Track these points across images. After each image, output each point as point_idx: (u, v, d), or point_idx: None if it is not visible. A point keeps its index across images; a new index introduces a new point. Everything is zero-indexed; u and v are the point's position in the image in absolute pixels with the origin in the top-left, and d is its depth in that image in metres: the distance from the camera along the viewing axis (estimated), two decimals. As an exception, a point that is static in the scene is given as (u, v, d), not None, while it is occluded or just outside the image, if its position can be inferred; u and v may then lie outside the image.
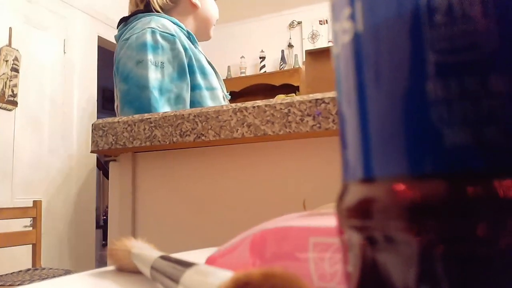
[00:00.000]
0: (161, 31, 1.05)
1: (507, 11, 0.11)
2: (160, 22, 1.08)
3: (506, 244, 0.10)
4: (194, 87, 1.09)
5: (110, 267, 0.35)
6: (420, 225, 0.11)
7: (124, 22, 1.17)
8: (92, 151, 0.73)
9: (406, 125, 0.12)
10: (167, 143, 0.66)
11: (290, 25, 4.65)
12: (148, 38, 1.04)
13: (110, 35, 3.62)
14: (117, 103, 1.14)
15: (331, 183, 0.57)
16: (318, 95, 0.58)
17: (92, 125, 0.72)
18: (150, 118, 0.67)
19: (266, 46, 4.68)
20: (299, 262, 0.24)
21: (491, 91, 0.11)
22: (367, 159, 0.13)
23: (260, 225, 0.28)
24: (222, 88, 1.17)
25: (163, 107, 0.96)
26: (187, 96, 1.07)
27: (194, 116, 0.64)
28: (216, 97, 1.13)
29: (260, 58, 4.68)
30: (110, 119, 0.71)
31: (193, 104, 1.07)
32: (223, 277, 0.19)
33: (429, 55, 0.12)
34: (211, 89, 1.11)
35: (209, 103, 1.09)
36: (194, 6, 1.23)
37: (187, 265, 0.23)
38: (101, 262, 3.50)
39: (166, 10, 1.20)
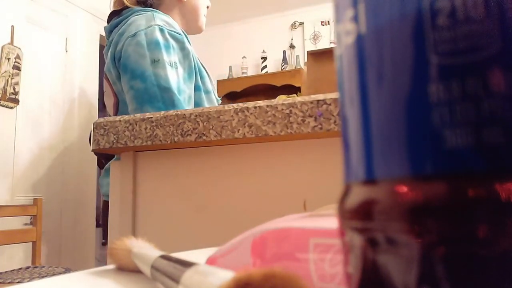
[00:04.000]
0: (168, 30, 1.04)
1: (509, 13, 0.11)
2: (164, 20, 1.06)
3: (507, 246, 0.11)
4: (195, 88, 1.09)
5: (110, 266, 0.35)
6: (422, 227, 0.11)
7: (116, 16, 1.13)
8: (93, 150, 0.73)
9: (408, 126, 0.12)
10: (168, 142, 0.66)
11: (292, 25, 4.65)
12: (159, 36, 1.01)
13: (112, 34, 3.62)
14: (113, 100, 1.10)
15: (332, 184, 0.57)
16: (320, 96, 0.58)
17: (94, 123, 0.72)
18: (151, 117, 0.67)
19: (268, 47, 4.67)
20: (300, 263, 0.24)
21: (493, 93, 0.11)
22: (368, 160, 0.13)
23: (261, 226, 0.28)
24: (214, 92, 1.15)
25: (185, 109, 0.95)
26: (193, 97, 1.07)
27: (196, 116, 0.64)
28: (211, 100, 1.12)
29: (262, 58, 4.68)
30: (111, 118, 0.71)
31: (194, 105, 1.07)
32: (223, 277, 0.19)
33: (431, 57, 0.12)
34: (207, 92, 1.10)
35: (206, 106, 1.08)
36: None
37: (187, 264, 0.23)
38: (101, 261, 3.50)
39: (153, 6, 1.16)
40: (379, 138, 0.13)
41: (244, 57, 4.73)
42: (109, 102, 1.14)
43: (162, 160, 0.73)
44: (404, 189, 0.12)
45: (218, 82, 4.64)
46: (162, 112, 0.67)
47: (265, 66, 4.65)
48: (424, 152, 0.12)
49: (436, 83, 0.11)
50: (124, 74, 1.02)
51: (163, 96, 0.96)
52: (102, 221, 1.03)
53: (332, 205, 0.28)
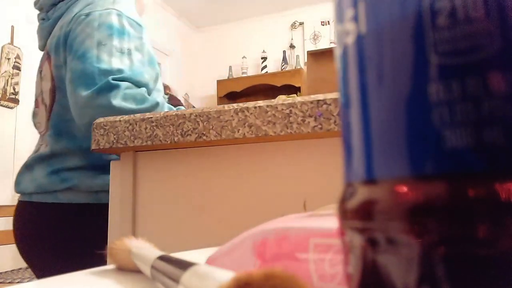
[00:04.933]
0: (127, 17, 0.97)
1: (509, 13, 0.11)
2: (123, 6, 0.99)
3: (506, 246, 0.11)
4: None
5: (110, 266, 0.35)
6: (421, 227, 0.11)
7: None
8: (93, 150, 0.73)
9: (408, 126, 0.12)
10: (168, 142, 0.66)
11: (292, 25, 4.65)
12: (114, 20, 0.94)
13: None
14: (49, 85, 1.01)
15: (332, 184, 0.57)
16: (320, 96, 0.58)
17: (93, 123, 0.72)
18: (151, 117, 0.67)
19: (268, 47, 4.68)
20: (300, 263, 0.24)
21: (493, 93, 0.11)
22: (369, 160, 0.13)
23: (261, 226, 0.28)
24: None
25: (125, 96, 0.88)
26: (154, 87, 1.00)
27: (196, 116, 0.64)
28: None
29: (262, 58, 4.68)
30: (111, 118, 0.71)
31: None
32: (223, 277, 0.19)
33: (431, 57, 0.12)
34: (158, 91, 1.05)
35: None
36: None
37: (187, 265, 0.23)
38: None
39: None
40: (379, 138, 0.13)
41: (244, 57, 4.73)
42: (46, 86, 1.04)
43: (162, 160, 0.73)
44: (404, 189, 0.12)
45: (218, 82, 4.64)
46: (162, 112, 0.67)
47: (265, 66, 4.66)
48: (424, 152, 0.12)
49: (436, 83, 0.11)
50: (68, 54, 0.95)
51: (101, 79, 0.88)
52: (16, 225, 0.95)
53: (332, 205, 0.28)
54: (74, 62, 0.92)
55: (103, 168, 0.98)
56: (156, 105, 0.91)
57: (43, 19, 1.10)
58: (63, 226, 0.97)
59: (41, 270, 1.00)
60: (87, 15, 0.95)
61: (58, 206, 0.97)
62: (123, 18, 0.96)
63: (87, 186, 0.97)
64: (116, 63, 0.91)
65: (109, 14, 0.95)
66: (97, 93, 0.87)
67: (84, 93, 0.87)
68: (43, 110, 1.06)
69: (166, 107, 0.97)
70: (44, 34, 1.11)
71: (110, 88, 0.87)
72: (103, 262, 0.38)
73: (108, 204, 0.75)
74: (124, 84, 0.89)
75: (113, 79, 0.88)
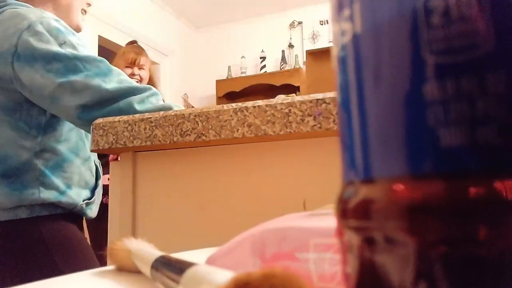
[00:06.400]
0: (63, 24, 0.96)
1: (502, 12, 0.11)
2: (51, 16, 0.97)
3: (504, 245, 0.11)
4: None
5: (110, 267, 0.35)
6: (418, 226, 0.11)
7: None
8: (92, 151, 0.73)
9: (405, 125, 0.12)
10: (168, 142, 0.66)
11: (290, 25, 4.65)
12: (57, 24, 0.93)
13: (111, 34, 3.62)
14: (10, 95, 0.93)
15: (331, 184, 0.57)
16: (319, 95, 0.58)
17: (93, 124, 0.72)
18: (150, 117, 0.67)
19: (267, 46, 4.68)
20: (299, 263, 0.24)
21: (488, 92, 0.11)
22: (366, 159, 0.13)
23: (260, 225, 0.28)
24: None
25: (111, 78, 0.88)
26: None
27: (195, 115, 0.64)
28: None
29: (261, 58, 4.68)
30: (110, 118, 0.71)
31: None
32: (223, 277, 0.19)
33: (425, 56, 0.12)
34: None
35: None
36: None
37: (187, 265, 0.23)
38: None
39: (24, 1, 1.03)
40: (377, 137, 0.13)
41: (243, 57, 4.73)
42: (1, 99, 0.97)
43: (161, 160, 0.73)
44: (401, 188, 0.12)
45: (217, 82, 4.64)
46: (162, 113, 0.67)
47: (264, 66, 4.65)
48: (421, 151, 0.12)
49: (431, 82, 0.12)
50: (33, 65, 0.89)
51: (85, 66, 0.88)
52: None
53: (332, 204, 0.28)
54: (49, 65, 0.89)
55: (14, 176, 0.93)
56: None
57: None
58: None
59: None
60: (29, 27, 0.91)
61: None
62: (61, 22, 0.96)
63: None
64: (86, 51, 0.92)
65: (48, 21, 0.93)
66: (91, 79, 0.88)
67: (78, 79, 0.87)
68: None
69: None
70: None
71: (99, 68, 0.89)
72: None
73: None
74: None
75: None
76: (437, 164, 0.11)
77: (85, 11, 1.17)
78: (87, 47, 0.99)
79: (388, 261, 0.12)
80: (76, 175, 1.00)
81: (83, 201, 1.01)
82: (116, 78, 0.90)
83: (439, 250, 0.11)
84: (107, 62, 0.94)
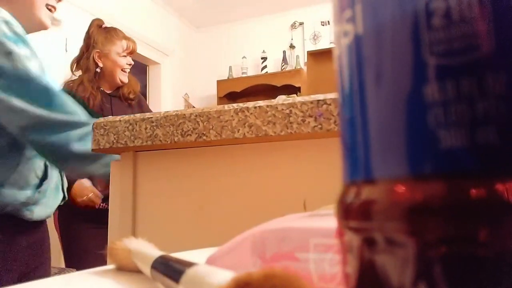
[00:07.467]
0: (16, 25, 0.90)
1: (503, 14, 0.11)
2: (4, 16, 0.90)
3: (504, 245, 0.11)
4: None
5: (110, 266, 0.36)
6: (419, 226, 0.11)
7: None
8: (93, 150, 0.73)
9: (405, 126, 0.12)
10: (168, 142, 0.66)
11: (292, 25, 4.65)
12: (5, 28, 0.87)
13: (112, 34, 3.62)
14: None
15: (332, 184, 0.57)
16: (320, 96, 0.58)
17: (94, 123, 0.72)
18: (151, 117, 0.67)
19: (268, 47, 4.67)
20: (300, 263, 0.24)
21: (488, 93, 0.11)
22: (367, 160, 0.13)
23: (261, 226, 0.28)
24: None
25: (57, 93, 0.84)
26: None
27: (196, 116, 0.64)
28: None
29: (262, 58, 4.68)
30: (111, 118, 0.71)
31: None
32: (223, 277, 0.19)
33: (426, 58, 0.12)
34: None
35: None
36: None
37: (187, 265, 0.23)
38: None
39: None
40: (377, 138, 0.13)
41: (244, 57, 4.73)
42: None
43: (162, 160, 0.73)
44: (401, 188, 0.12)
45: (218, 82, 4.64)
46: (162, 112, 0.67)
47: (265, 66, 4.65)
48: (421, 152, 0.12)
49: (432, 84, 0.12)
50: None
51: (30, 89, 0.83)
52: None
53: (332, 205, 0.28)
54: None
55: None
56: None
57: None
58: None
59: None
60: None
61: None
62: (13, 25, 0.90)
63: None
64: (34, 66, 0.88)
65: None
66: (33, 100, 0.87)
67: (19, 104, 0.84)
68: None
69: None
70: None
71: (47, 92, 0.88)
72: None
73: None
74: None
75: None
76: (438, 165, 0.11)
77: (53, 8, 1.07)
78: (38, 56, 0.93)
79: (388, 262, 0.12)
80: (10, 174, 0.95)
81: (21, 202, 0.96)
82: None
83: (439, 250, 0.11)
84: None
